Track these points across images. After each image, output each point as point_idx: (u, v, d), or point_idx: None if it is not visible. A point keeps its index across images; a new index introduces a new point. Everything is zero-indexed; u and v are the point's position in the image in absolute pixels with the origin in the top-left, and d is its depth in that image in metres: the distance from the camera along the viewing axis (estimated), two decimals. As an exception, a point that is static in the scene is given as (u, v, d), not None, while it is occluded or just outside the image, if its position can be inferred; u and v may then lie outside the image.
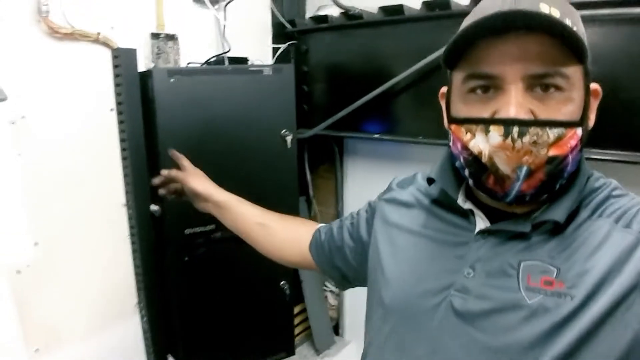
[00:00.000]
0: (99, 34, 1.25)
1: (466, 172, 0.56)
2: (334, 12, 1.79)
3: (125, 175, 1.35)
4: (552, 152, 0.50)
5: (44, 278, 1.19)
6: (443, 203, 0.65)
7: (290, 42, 1.88)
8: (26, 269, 1.15)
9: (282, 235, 0.89)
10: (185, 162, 1.00)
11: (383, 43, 1.63)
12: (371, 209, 0.79)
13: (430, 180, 0.66)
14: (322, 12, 1.88)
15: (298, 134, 1.64)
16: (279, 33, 1.86)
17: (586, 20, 0.54)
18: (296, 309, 1.96)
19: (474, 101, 0.54)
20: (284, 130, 1.53)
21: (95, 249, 1.31)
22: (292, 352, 1.78)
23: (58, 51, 1.18)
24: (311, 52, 1.89)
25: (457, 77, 0.56)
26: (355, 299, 2.09)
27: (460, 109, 0.56)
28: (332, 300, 2.21)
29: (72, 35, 1.20)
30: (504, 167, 0.51)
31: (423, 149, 1.65)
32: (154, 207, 1.39)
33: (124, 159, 1.35)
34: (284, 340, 1.75)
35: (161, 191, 1.03)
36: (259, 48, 1.75)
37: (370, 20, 1.64)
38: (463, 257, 0.59)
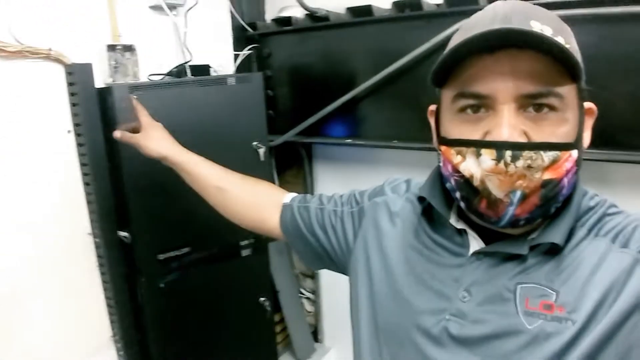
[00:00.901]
0: (50, 49, 1.17)
1: (457, 195, 0.55)
2: (297, 13, 1.77)
3: (89, 202, 1.28)
4: (547, 176, 0.49)
5: (7, 319, 1.11)
6: (435, 221, 0.64)
7: (252, 46, 1.85)
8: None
9: (242, 200, 0.87)
10: (143, 117, 0.96)
11: (351, 45, 1.61)
12: (358, 207, 0.75)
13: (421, 199, 0.65)
14: (284, 14, 1.85)
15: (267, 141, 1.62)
16: (240, 37, 1.81)
17: (562, 20, 0.53)
18: (275, 318, 1.96)
19: (464, 121, 0.52)
20: (256, 142, 1.51)
21: (63, 283, 1.23)
22: (275, 366, 1.79)
23: (5, 71, 1.09)
24: (274, 56, 1.87)
25: (447, 95, 0.55)
26: (333, 304, 2.11)
27: (450, 129, 0.54)
28: (308, 306, 2.22)
29: (21, 53, 1.11)
30: (496, 191, 0.50)
31: (395, 152, 1.68)
32: (122, 234, 1.33)
33: (86, 184, 1.27)
34: (267, 355, 1.75)
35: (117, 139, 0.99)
36: (220, 54, 1.70)
37: (337, 22, 1.62)
38: (458, 280, 0.57)
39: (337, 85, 1.66)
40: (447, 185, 0.56)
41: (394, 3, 1.47)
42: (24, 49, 1.11)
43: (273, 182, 2.04)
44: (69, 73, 1.22)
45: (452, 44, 0.54)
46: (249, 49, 1.83)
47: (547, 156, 0.48)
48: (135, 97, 1.01)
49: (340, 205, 0.77)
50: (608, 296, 0.49)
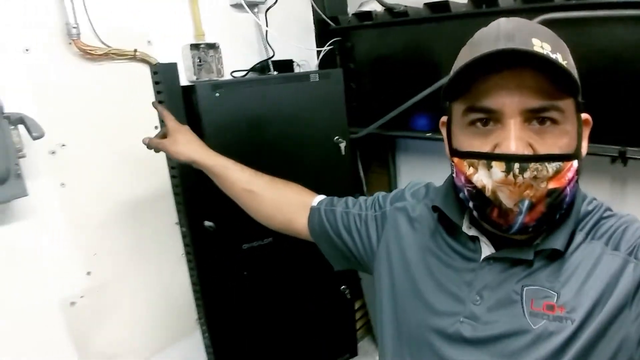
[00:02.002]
0: (135, 51, 1.03)
1: (470, 204, 0.50)
2: (377, 7, 1.46)
3: (176, 194, 1.14)
4: (552, 185, 0.46)
5: (99, 306, 1.01)
6: (449, 227, 0.58)
7: (335, 40, 1.57)
8: (80, 299, 0.97)
9: (271, 202, 0.77)
10: (169, 122, 0.84)
11: (431, 40, 1.35)
12: (381, 211, 0.68)
13: (435, 208, 0.58)
14: (364, 8, 1.55)
15: (349, 134, 1.36)
16: (322, 31, 1.56)
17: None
18: (355, 305, 1.71)
19: (475, 134, 0.49)
20: (337, 137, 1.26)
21: (151, 271, 1.12)
22: (355, 353, 1.55)
23: (94, 73, 0.97)
24: (357, 49, 1.58)
25: (457, 109, 0.50)
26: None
27: (462, 142, 0.50)
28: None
29: (108, 55, 0.98)
30: (506, 201, 0.47)
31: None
32: (208, 223, 1.17)
33: (172, 177, 1.13)
34: (347, 342, 1.52)
35: (148, 147, 0.87)
36: (303, 48, 1.46)
37: (416, 17, 1.35)
38: (471, 284, 0.53)
39: (418, 78, 1.38)
40: (461, 195, 0.52)
41: (471, -1, 1.16)
42: (111, 51, 0.98)
43: (357, 174, 1.79)
44: (154, 72, 1.07)
45: (460, 60, 0.51)
46: (331, 43, 1.55)
47: (551, 167, 0.46)
48: (158, 102, 0.90)
49: (365, 209, 0.70)
50: (602, 296, 0.46)
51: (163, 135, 0.85)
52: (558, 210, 0.48)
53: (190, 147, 0.80)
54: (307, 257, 1.37)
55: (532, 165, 0.45)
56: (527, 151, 0.45)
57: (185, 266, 1.18)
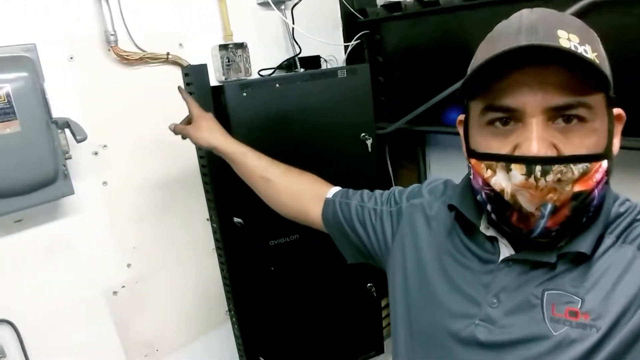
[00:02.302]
0: (168, 54, 1.10)
1: (489, 207, 0.49)
2: (406, -3, 1.45)
3: (207, 192, 1.22)
4: (578, 188, 0.44)
5: (138, 296, 1.11)
6: (465, 227, 0.57)
7: (363, 33, 1.58)
8: (121, 289, 1.08)
9: (286, 191, 0.80)
10: (193, 109, 0.89)
11: (464, 29, 1.29)
12: (397, 207, 0.67)
13: (451, 207, 0.57)
14: (393, -1, 1.54)
15: (377, 129, 1.38)
16: (350, 25, 1.56)
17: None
18: (382, 303, 1.74)
19: (493, 134, 0.47)
20: (364, 134, 1.28)
21: (185, 264, 1.21)
22: (381, 351, 1.58)
23: (130, 77, 1.06)
24: (385, 42, 1.57)
25: (475, 107, 0.49)
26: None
27: (479, 142, 0.49)
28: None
29: (143, 60, 1.06)
30: (527, 205, 0.45)
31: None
32: (237, 220, 1.24)
33: (203, 174, 1.21)
34: (373, 340, 1.55)
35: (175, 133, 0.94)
36: (330, 43, 1.48)
37: (447, 6, 1.31)
38: (487, 286, 0.52)
39: (450, 70, 1.33)
40: (478, 197, 0.51)
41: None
42: (145, 55, 1.06)
43: (387, 169, 1.80)
44: (185, 74, 1.14)
45: (478, 56, 0.49)
46: (359, 36, 1.56)
47: (577, 169, 0.43)
48: (182, 87, 0.95)
49: (380, 204, 0.70)
50: (632, 304, 0.44)
51: (188, 121, 0.91)
52: (584, 213, 0.46)
53: (212, 134, 0.85)
54: (333, 254, 1.40)
55: (556, 167, 0.43)
56: (551, 152, 0.43)
57: (216, 260, 1.26)
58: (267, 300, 1.31)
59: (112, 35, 0.99)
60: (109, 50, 1.01)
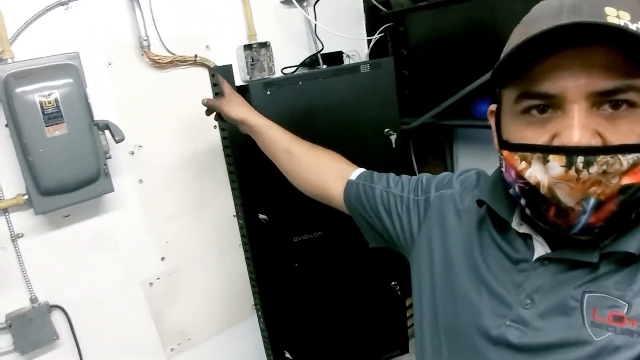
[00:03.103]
0: (196, 56, 1.23)
1: (522, 202, 0.48)
2: (433, -15, 1.51)
3: (233, 189, 1.35)
4: (626, 181, 0.41)
5: (171, 288, 1.26)
6: (497, 223, 0.56)
7: (386, 25, 1.66)
8: (156, 281, 1.22)
9: (308, 166, 0.84)
10: (225, 87, 1.00)
11: (492, 17, 1.31)
12: (425, 196, 0.67)
13: (480, 203, 0.57)
14: (418, -12, 1.60)
15: (402, 124, 1.45)
16: (373, 18, 1.64)
17: None
18: (407, 302, 1.83)
19: (529, 123, 0.45)
20: (387, 130, 1.36)
21: (213, 259, 1.34)
22: (406, 350, 1.67)
23: (162, 79, 1.19)
24: (410, 34, 1.63)
25: (509, 95, 0.47)
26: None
27: (513, 132, 0.47)
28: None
29: (173, 63, 1.19)
30: (567, 199, 0.43)
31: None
32: (262, 216, 1.37)
33: (230, 172, 1.34)
34: (398, 339, 1.64)
35: (207, 112, 1.05)
36: (353, 37, 1.57)
37: None
38: (520, 285, 0.51)
39: (479, 61, 1.35)
40: (511, 191, 0.49)
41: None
42: (175, 58, 1.19)
43: (412, 166, 1.88)
44: (212, 75, 1.26)
45: (513, 40, 0.47)
46: (382, 29, 1.64)
47: (626, 159, 0.41)
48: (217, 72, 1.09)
49: (407, 192, 0.70)
50: None
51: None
52: (634, 209, 0.44)
53: (241, 108, 0.96)
54: (356, 251, 1.51)
55: (601, 158, 0.40)
56: (595, 141, 0.41)
57: (242, 255, 1.40)
58: (291, 296, 1.42)
59: (145, 40, 1.13)
60: (142, 54, 1.14)
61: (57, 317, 1.08)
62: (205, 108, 1.04)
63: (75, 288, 1.09)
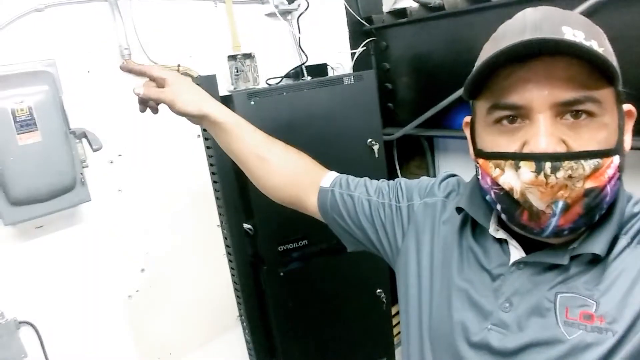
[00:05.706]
0: (179, 65, 1.16)
1: (498, 207, 0.49)
2: (412, 3, 1.48)
3: (217, 198, 1.26)
4: (589, 185, 0.43)
5: (152, 300, 1.15)
6: (475, 229, 0.57)
7: (369, 40, 1.62)
8: (135, 293, 1.12)
9: (281, 174, 0.71)
10: (155, 72, 0.69)
11: (470, 33, 1.31)
12: (408, 205, 0.64)
13: (459, 210, 0.56)
14: (399, 5, 1.57)
15: (385, 135, 1.41)
16: (357, 32, 1.60)
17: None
18: (393, 310, 1.75)
19: (501, 133, 0.46)
20: (370, 140, 1.31)
21: (197, 269, 1.25)
22: (392, 357, 1.59)
23: (143, 88, 1.12)
24: (392, 48, 1.60)
25: (481, 107, 0.48)
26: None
27: (487, 142, 0.48)
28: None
29: (155, 71, 1.12)
30: (538, 203, 0.44)
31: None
32: (247, 226, 1.28)
33: (214, 182, 1.25)
34: (384, 346, 1.56)
35: (141, 108, 0.74)
36: (337, 50, 1.52)
37: (454, 11, 1.33)
38: (499, 290, 0.51)
39: (457, 75, 1.35)
40: (487, 197, 0.50)
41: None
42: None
43: (395, 175, 1.82)
44: (196, 84, 1.19)
45: (483, 56, 0.49)
46: (365, 43, 1.60)
47: (588, 164, 0.43)
48: (126, 59, 0.92)
49: (388, 199, 0.67)
50: None
51: (157, 86, 0.70)
52: (597, 211, 0.45)
53: (198, 96, 0.69)
54: (342, 260, 1.45)
55: (566, 163, 0.42)
56: (560, 148, 0.43)
57: (227, 265, 1.30)
58: (277, 306, 1.34)
59: (125, 49, 1.06)
60: (123, 62, 1.06)
61: (26, 334, 0.97)
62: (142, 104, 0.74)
63: (46, 303, 0.99)
